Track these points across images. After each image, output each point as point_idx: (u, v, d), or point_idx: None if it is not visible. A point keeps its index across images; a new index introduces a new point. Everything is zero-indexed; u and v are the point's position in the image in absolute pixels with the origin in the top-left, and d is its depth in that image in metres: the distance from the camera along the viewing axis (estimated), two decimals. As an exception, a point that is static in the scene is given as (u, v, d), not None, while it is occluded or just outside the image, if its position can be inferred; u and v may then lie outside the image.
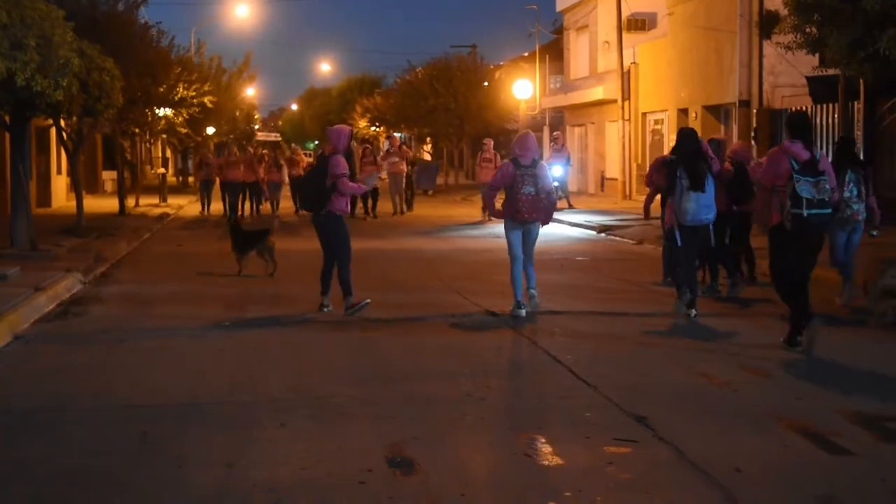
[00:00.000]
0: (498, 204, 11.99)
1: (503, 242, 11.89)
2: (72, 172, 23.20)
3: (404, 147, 32.32)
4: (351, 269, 11.53)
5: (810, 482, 5.75)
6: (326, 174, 11.37)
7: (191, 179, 48.73)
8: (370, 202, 27.25)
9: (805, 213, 9.26)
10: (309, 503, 5.49)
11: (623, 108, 32.46)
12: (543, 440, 6.52)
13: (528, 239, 11.64)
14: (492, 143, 28.07)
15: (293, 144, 32.08)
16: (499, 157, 26.78)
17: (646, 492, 5.61)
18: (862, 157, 20.20)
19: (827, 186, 9.36)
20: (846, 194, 11.56)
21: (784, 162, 9.36)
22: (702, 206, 10.97)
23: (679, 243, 11.19)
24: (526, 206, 11.29)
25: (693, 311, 11.13)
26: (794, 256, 9.56)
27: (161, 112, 32.82)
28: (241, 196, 27.21)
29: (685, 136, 11.48)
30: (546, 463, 6.14)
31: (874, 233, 12.82)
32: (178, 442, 6.59)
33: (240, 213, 26.39)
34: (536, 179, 11.33)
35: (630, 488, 5.66)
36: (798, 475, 5.87)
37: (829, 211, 9.50)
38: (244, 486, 5.74)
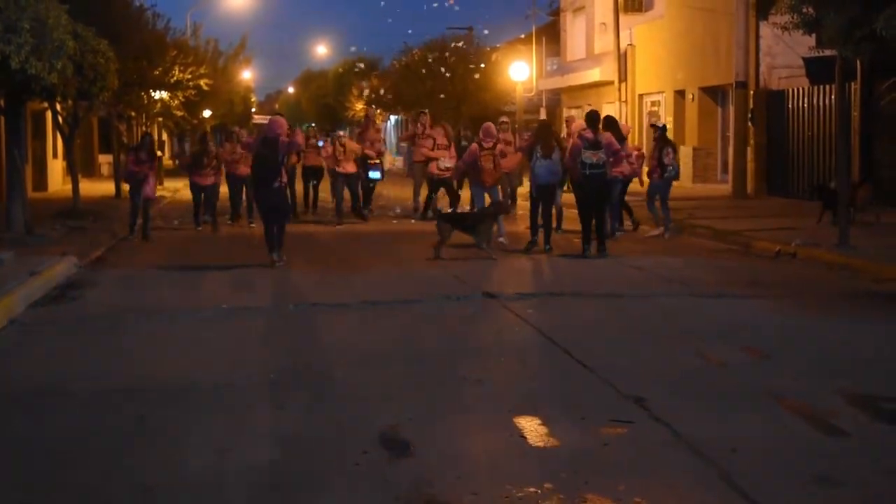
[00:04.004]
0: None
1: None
2: (68, 156, 23.16)
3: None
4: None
5: (807, 463, 5.74)
6: (278, 154, 13.92)
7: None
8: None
9: (587, 172, 14.74)
10: (305, 485, 5.49)
11: (620, 89, 32.36)
12: (539, 422, 6.51)
13: (493, 197, 16.40)
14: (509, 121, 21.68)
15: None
16: (518, 136, 21.41)
17: (642, 473, 5.61)
18: (859, 136, 21.01)
19: (602, 156, 14.78)
20: (667, 161, 17.39)
21: (580, 141, 14.93)
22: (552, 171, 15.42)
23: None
24: (488, 176, 16.21)
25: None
26: (586, 199, 14.92)
27: (157, 95, 32.69)
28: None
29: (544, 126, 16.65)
30: (542, 444, 6.13)
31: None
32: (175, 425, 6.58)
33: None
34: (494, 157, 16.19)
35: (626, 469, 5.66)
36: (794, 456, 5.86)
37: (602, 171, 14.85)
38: (241, 469, 5.74)
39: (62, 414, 6.92)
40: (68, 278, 13.10)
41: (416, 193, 21.80)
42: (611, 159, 15.29)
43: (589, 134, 14.94)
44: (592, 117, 15.38)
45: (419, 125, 21.68)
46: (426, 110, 23.68)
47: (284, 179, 14.58)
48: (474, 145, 16.32)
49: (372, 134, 22.28)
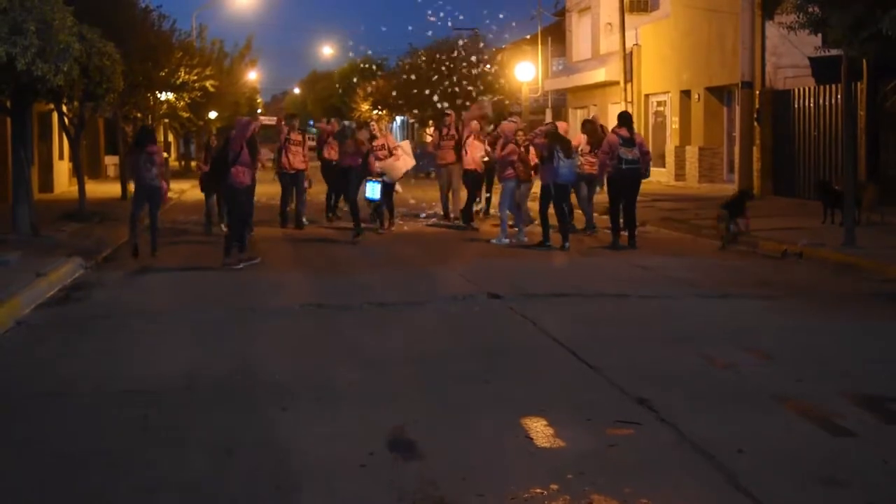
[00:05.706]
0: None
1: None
2: (74, 158, 23.17)
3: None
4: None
5: (813, 464, 5.73)
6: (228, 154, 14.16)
7: (193, 164, 48.63)
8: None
9: (624, 167, 15.96)
10: (309, 487, 5.49)
11: (625, 90, 32.30)
12: (545, 423, 6.51)
13: (521, 192, 17.13)
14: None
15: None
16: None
17: (648, 474, 5.60)
18: (865, 136, 20.89)
19: (637, 152, 16.11)
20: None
21: (615, 138, 16.12)
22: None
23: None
24: (526, 169, 16.90)
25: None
26: (621, 193, 16.15)
27: (163, 96, 32.72)
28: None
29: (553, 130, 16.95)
30: (548, 445, 6.13)
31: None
32: (179, 426, 6.59)
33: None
34: (520, 153, 16.85)
35: (632, 470, 5.65)
36: (800, 457, 5.85)
37: (639, 166, 16.18)
38: (245, 471, 5.74)
39: (66, 415, 6.92)
40: (74, 279, 13.12)
41: (444, 197, 20.76)
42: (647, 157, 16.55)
43: (624, 132, 16.19)
44: (626, 117, 16.76)
45: (444, 128, 20.59)
46: (450, 111, 22.25)
47: (242, 180, 14.15)
48: (512, 144, 16.96)
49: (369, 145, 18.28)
